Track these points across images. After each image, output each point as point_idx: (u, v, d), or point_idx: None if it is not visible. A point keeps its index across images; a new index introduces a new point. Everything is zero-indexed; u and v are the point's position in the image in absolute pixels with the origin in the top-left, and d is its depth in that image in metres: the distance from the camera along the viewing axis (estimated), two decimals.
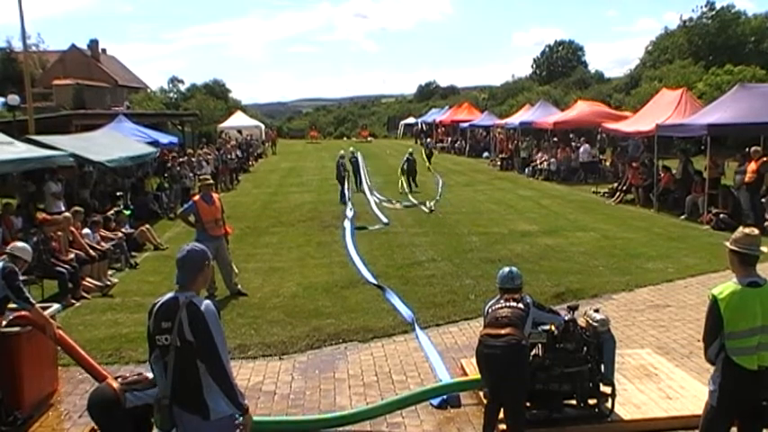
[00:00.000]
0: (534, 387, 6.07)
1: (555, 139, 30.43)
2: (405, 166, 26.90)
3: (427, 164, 34.29)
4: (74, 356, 6.78)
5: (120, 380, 5.61)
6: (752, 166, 16.23)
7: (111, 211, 15.95)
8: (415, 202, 22.18)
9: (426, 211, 20.27)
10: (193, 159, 27.76)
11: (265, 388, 7.52)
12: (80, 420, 6.75)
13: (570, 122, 30.01)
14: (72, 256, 11.87)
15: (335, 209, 20.82)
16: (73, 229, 12.53)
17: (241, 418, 4.38)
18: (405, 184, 26.17)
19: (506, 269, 6.23)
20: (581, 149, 28.33)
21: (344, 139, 70.39)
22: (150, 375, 5.45)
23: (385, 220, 18.54)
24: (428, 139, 48.84)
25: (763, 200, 16.00)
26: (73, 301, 11.15)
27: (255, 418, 4.59)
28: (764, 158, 16.25)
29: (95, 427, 6.14)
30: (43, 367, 7.08)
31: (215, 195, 11.66)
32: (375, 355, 8.45)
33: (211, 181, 12.53)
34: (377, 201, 22.62)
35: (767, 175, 15.93)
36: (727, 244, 4.84)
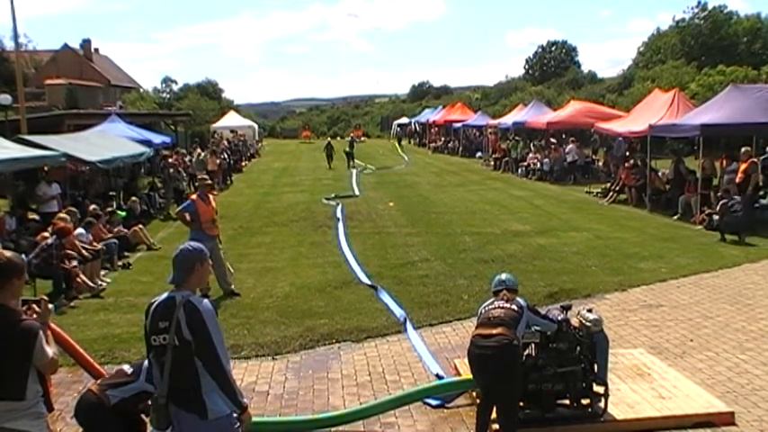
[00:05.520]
0: (527, 387, 6.08)
1: (551, 138, 30.51)
2: (347, 148, 39.51)
3: (399, 149, 50.34)
4: (71, 353, 6.73)
5: (98, 381, 5.60)
6: (741, 166, 16.29)
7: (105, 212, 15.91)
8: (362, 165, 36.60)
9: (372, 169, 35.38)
10: (186, 159, 27.70)
11: (258, 388, 7.51)
12: (72, 421, 6.70)
13: (563, 122, 30.05)
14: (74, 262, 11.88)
15: (328, 209, 20.82)
16: None
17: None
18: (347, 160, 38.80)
19: (502, 275, 6.27)
20: (566, 149, 28.38)
21: (338, 138, 70.42)
22: (127, 368, 5.45)
23: (357, 192, 25.30)
24: (398, 129, 64.82)
25: (756, 204, 16.07)
26: (65, 302, 11.11)
27: None
28: (753, 159, 16.30)
29: None
30: None
31: (211, 195, 11.67)
32: (368, 355, 8.45)
33: (210, 181, 12.52)
34: (357, 172, 33.14)
35: (754, 176, 15.96)
36: None
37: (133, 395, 5.26)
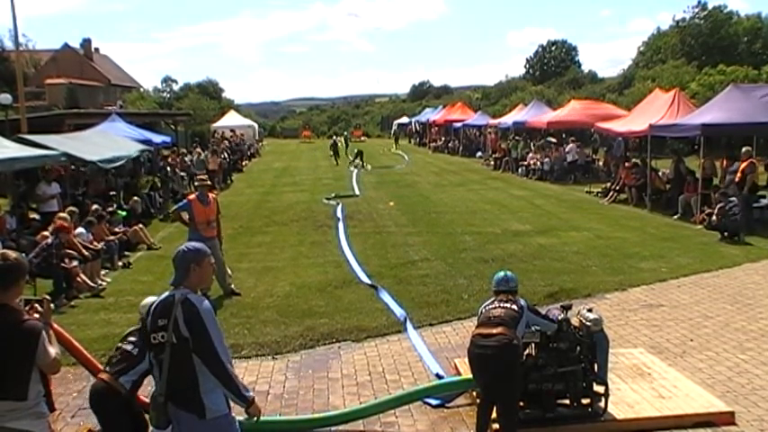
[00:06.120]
0: (527, 387, 6.08)
1: (549, 138, 30.50)
2: (331, 148, 42.72)
3: (394, 146, 53.03)
4: (72, 352, 6.73)
5: (107, 369, 5.64)
6: (741, 165, 16.28)
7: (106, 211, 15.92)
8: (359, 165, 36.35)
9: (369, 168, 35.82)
10: (186, 159, 27.71)
11: (259, 388, 7.50)
12: (72, 420, 6.75)
13: (563, 122, 30.05)
14: (75, 262, 11.89)
15: (329, 208, 20.83)
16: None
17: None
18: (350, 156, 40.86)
19: (501, 273, 6.24)
20: (566, 149, 28.38)
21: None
22: (130, 348, 5.53)
23: (357, 192, 25.30)
24: (395, 129, 64.55)
25: (755, 204, 16.07)
26: (66, 301, 11.12)
27: (241, 418, 4.59)
28: (752, 160, 16.27)
29: (91, 428, 6.13)
30: None
31: (211, 196, 11.59)
32: (368, 355, 8.45)
33: (209, 182, 12.46)
34: (358, 172, 33.44)
35: (750, 176, 15.91)
36: None
37: (142, 374, 5.42)
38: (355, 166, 35.97)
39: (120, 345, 5.87)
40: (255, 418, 4.43)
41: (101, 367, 6.17)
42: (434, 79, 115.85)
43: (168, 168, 23.99)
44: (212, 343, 4.20)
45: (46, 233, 12.32)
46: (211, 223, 11.20)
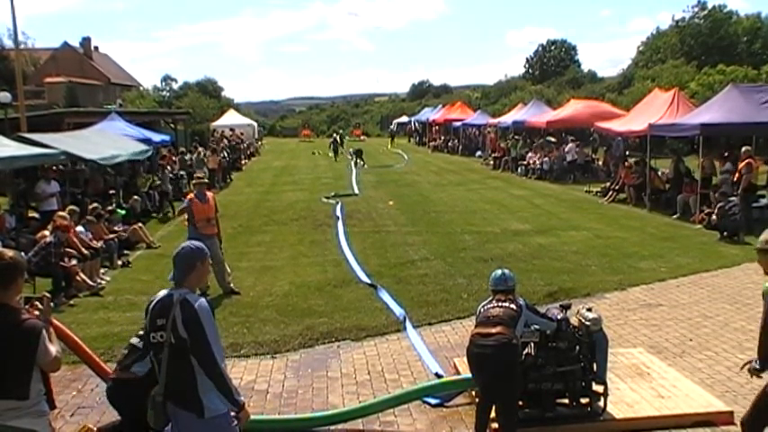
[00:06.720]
0: (527, 386, 6.08)
1: (549, 137, 30.50)
2: (331, 146, 45.27)
3: (390, 145, 54.39)
4: (73, 348, 6.74)
5: (118, 366, 5.67)
6: (740, 165, 16.27)
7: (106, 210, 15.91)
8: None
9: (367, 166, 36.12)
10: (186, 158, 27.66)
11: (258, 387, 7.51)
12: (72, 419, 6.76)
13: (563, 122, 30.06)
14: (74, 261, 11.89)
15: (328, 208, 20.83)
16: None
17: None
18: (340, 154, 43.16)
19: (499, 271, 6.21)
20: (566, 148, 28.38)
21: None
22: (136, 341, 5.53)
23: (357, 191, 25.29)
24: (392, 128, 65.62)
25: (754, 204, 16.07)
26: (65, 300, 11.12)
27: None
28: (749, 161, 16.27)
29: (91, 427, 6.14)
30: None
31: (209, 194, 11.64)
32: (368, 354, 8.46)
33: (206, 180, 12.50)
34: (358, 171, 33.11)
35: (746, 177, 15.90)
36: (758, 246, 5.05)
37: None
38: (354, 165, 36.02)
39: (130, 341, 5.91)
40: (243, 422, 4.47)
41: (102, 364, 6.19)
42: (434, 79, 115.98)
43: (163, 170, 23.92)
44: (209, 344, 4.21)
45: (45, 232, 12.32)
46: (211, 221, 11.25)
